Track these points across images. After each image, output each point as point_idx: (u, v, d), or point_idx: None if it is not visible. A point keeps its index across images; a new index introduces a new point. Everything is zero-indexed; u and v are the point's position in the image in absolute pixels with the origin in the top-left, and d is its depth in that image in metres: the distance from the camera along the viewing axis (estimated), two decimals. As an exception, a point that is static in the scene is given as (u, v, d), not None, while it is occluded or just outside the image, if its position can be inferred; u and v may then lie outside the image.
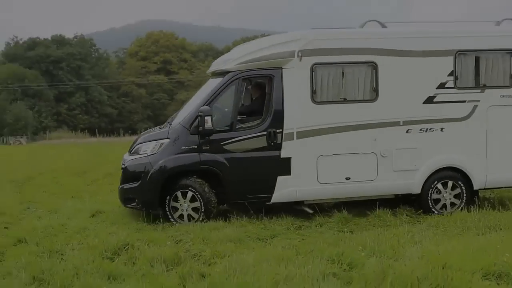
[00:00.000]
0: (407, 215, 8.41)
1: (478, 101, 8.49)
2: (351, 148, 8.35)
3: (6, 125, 68.64)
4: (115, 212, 8.97)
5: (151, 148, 8.27)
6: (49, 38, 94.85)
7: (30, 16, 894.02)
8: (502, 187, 9.24)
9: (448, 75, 8.45)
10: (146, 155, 8.25)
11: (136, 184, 8.15)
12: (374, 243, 6.17)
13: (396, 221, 8.04)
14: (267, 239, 7.10)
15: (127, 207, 8.60)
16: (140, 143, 8.64)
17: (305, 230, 7.74)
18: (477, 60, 8.54)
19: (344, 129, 8.33)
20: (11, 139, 57.53)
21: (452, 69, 8.45)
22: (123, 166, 8.63)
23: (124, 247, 6.32)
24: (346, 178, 8.39)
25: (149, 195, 8.06)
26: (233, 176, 8.15)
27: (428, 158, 8.50)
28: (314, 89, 8.22)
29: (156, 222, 8.17)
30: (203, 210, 8.13)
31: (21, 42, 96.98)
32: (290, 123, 8.22)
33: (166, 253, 5.93)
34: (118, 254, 6.15)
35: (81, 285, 4.99)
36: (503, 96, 8.53)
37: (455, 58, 8.46)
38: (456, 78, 8.47)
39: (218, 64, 9.20)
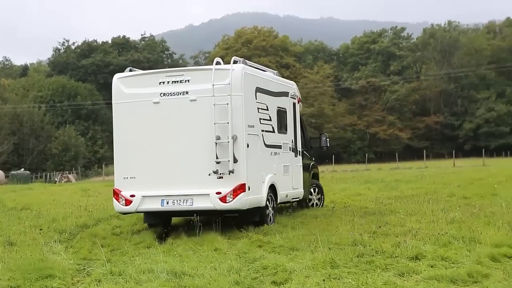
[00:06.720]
0: None
1: None
2: None
3: (51, 157, 52.01)
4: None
5: None
6: (109, 42, 73.64)
7: (85, 15, 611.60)
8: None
9: None
10: None
11: None
12: None
13: None
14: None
15: None
16: None
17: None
18: None
19: None
20: (57, 175, 45.26)
21: None
22: None
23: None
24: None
25: None
26: None
27: None
28: None
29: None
30: None
31: (73, 47, 72.21)
32: None
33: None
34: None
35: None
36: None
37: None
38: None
39: None
